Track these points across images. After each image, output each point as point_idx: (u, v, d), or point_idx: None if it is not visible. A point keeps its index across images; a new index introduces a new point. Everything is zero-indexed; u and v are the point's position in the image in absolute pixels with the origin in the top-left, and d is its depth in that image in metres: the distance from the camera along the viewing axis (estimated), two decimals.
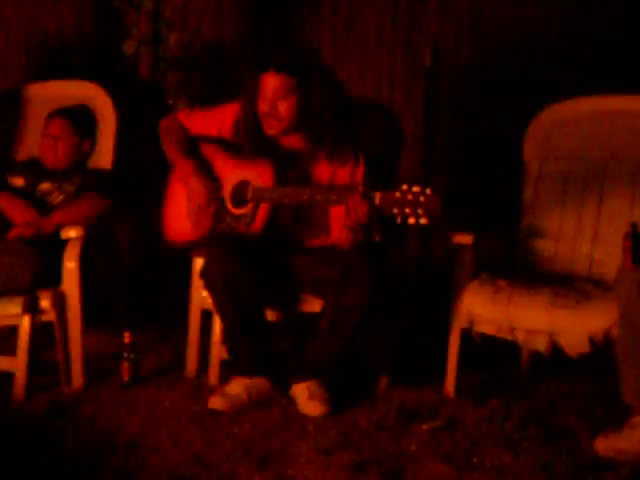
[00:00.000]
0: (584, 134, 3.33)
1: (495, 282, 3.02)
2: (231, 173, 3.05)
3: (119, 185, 3.45)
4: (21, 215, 3.24)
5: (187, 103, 3.98)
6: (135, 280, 3.89)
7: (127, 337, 3.15)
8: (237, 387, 2.93)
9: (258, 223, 2.96)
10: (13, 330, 3.06)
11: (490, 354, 3.08)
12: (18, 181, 3.41)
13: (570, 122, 3.36)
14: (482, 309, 2.96)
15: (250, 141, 3.02)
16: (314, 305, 3.01)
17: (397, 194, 2.68)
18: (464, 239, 3.11)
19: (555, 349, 2.86)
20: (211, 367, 3.15)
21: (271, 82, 2.92)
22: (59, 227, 3.17)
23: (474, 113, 4.19)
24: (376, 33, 4.29)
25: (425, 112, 4.27)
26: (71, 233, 3.12)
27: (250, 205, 2.98)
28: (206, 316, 3.19)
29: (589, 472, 2.48)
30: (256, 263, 2.92)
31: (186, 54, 4.12)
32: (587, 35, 4.02)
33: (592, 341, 2.78)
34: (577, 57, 4.04)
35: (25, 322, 3.00)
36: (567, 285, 3.02)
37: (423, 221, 2.65)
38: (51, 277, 3.09)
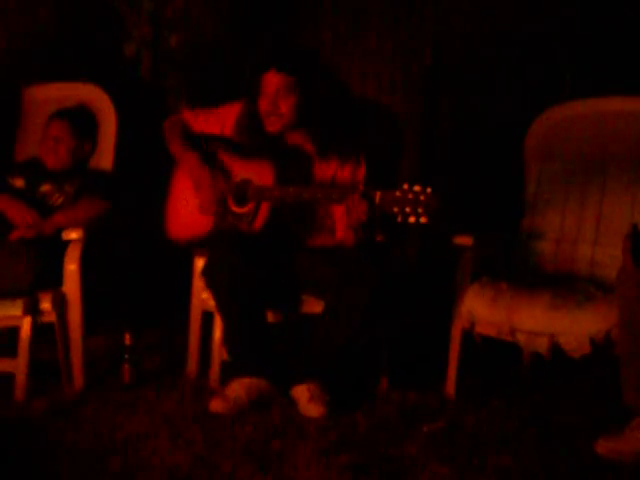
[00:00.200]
0: (585, 135, 3.33)
1: (496, 284, 3.02)
2: (233, 171, 3.05)
3: (120, 187, 3.45)
4: (22, 217, 3.24)
5: (187, 105, 3.98)
6: (136, 281, 3.89)
7: (128, 338, 3.15)
8: (238, 388, 2.93)
9: (259, 222, 2.97)
10: (13, 331, 3.06)
11: (491, 356, 3.08)
12: (19, 182, 3.42)
13: (571, 124, 3.36)
14: (483, 311, 2.96)
15: (252, 139, 3.04)
16: (315, 306, 3.01)
17: (398, 193, 2.69)
18: (465, 240, 3.12)
19: (556, 351, 2.86)
20: (212, 368, 3.15)
21: (273, 81, 2.94)
22: (60, 229, 3.16)
23: (474, 113, 4.19)
24: (377, 34, 4.29)
25: (425, 113, 4.27)
26: (72, 235, 3.12)
27: (251, 204, 2.99)
28: (207, 317, 3.20)
29: (590, 473, 2.48)
30: (257, 263, 2.93)
31: (186, 56, 4.12)
32: (587, 35, 4.01)
33: (593, 342, 2.78)
34: (577, 57, 4.04)
35: (26, 324, 3.00)
36: (568, 286, 3.02)
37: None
38: (52, 278, 3.09)
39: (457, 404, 3.01)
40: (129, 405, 2.96)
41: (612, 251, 3.08)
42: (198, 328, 3.25)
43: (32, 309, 3.01)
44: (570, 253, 3.25)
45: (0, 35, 4.08)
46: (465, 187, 4.08)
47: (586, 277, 3.16)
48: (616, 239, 2.86)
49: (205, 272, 2.96)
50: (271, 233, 3.00)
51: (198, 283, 3.16)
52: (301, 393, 2.91)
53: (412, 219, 2.65)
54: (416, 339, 3.61)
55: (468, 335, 3.03)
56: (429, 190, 2.66)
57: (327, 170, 3.02)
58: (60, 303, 3.08)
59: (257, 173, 3.00)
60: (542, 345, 2.87)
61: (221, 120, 3.14)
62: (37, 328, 3.03)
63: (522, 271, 3.27)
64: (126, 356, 3.14)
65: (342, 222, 2.95)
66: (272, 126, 2.99)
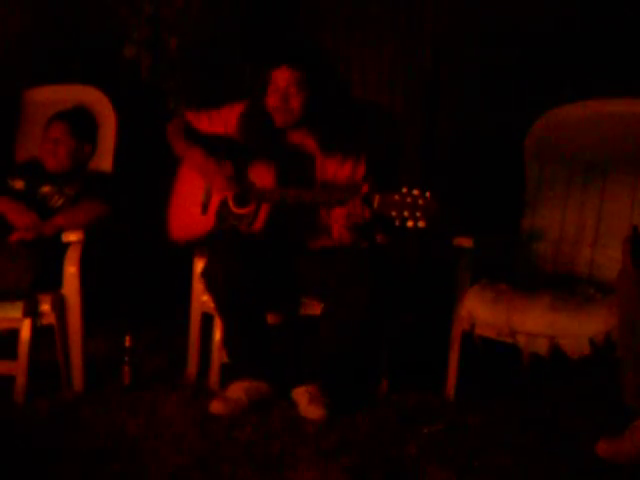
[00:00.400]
0: (585, 137, 3.33)
1: (496, 285, 3.02)
2: None
3: (120, 189, 3.45)
4: (22, 219, 3.24)
5: (187, 106, 3.98)
6: (136, 283, 3.89)
7: (128, 340, 3.15)
8: (237, 390, 2.93)
9: (259, 223, 2.97)
10: (13, 333, 3.06)
11: (491, 357, 3.08)
12: (18, 184, 3.41)
13: (571, 125, 3.36)
14: (483, 312, 2.96)
15: (255, 139, 3.03)
16: (315, 308, 3.01)
17: (396, 197, 2.69)
18: (464, 242, 3.12)
19: (556, 352, 2.86)
20: (211, 370, 3.15)
21: (283, 76, 2.96)
22: (60, 231, 3.16)
23: (474, 114, 4.19)
24: (376, 34, 4.28)
25: (425, 113, 4.27)
26: (72, 237, 3.12)
27: (252, 205, 2.99)
28: (207, 319, 3.20)
29: (591, 475, 2.48)
30: (257, 265, 2.93)
31: (186, 58, 4.11)
32: (587, 36, 4.01)
33: (593, 344, 2.78)
34: (577, 58, 4.04)
35: (25, 326, 3.00)
36: (568, 288, 3.02)
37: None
38: (51, 281, 3.09)
39: (457, 406, 3.01)
40: (129, 407, 2.96)
41: (612, 253, 3.08)
42: (198, 330, 3.25)
43: (32, 311, 3.01)
44: (570, 255, 3.25)
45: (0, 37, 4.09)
46: (465, 188, 4.08)
47: (586, 278, 3.16)
48: (616, 241, 2.86)
49: (205, 274, 2.96)
50: (271, 235, 3.01)
51: (198, 285, 3.16)
52: (301, 395, 2.91)
53: (410, 223, 2.65)
54: (416, 340, 3.61)
55: (468, 336, 3.02)
56: (428, 194, 2.66)
57: (328, 168, 3.02)
58: (60, 305, 3.08)
59: (258, 175, 3.01)
60: (542, 347, 2.87)
61: (224, 121, 3.15)
62: (37, 330, 3.03)
63: (522, 273, 3.27)
64: (126, 358, 3.14)
65: (338, 222, 2.95)
66: (281, 122, 2.99)
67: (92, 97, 3.59)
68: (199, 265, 3.15)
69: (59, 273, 3.09)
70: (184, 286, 3.25)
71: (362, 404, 2.99)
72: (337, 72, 3.11)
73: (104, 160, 3.52)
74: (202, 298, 3.14)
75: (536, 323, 2.87)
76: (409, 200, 2.66)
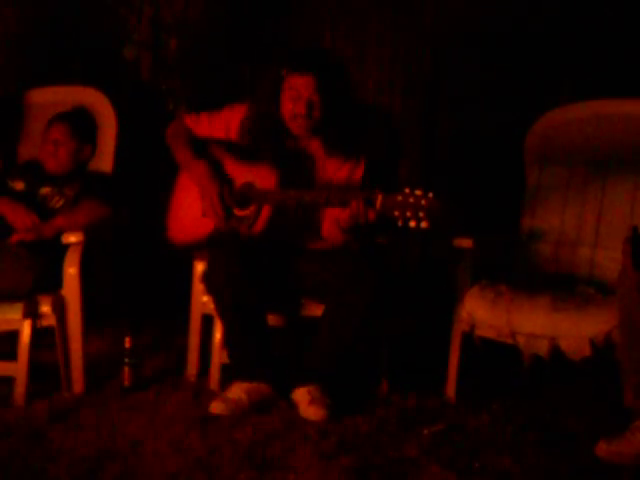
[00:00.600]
0: (585, 137, 3.33)
1: (496, 286, 3.02)
2: (236, 175, 3.05)
3: (120, 190, 3.45)
4: (22, 220, 3.23)
5: (187, 108, 3.98)
6: (136, 284, 3.89)
7: (128, 342, 3.15)
8: (238, 391, 2.93)
9: (260, 225, 2.97)
10: (13, 334, 3.06)
11: (491, 358, 3.08)
12: (18, 185, 3.41)
13: (571, 126, 3.36)
14: (483, 313, 2.96)
15: (263, 141, 3.02)
16: (315, 309, 3.01)
17: (399, 197, 2.69)
18: (465, 243, 3.12)
19: (556, 353, 2.86)
20: (212, 371, 3.15)
21: (307, 84, 2.93)
22: (60, 232, 3.16)
23: (474, 115, 4.19)
24: (376, 34, 4.28)
25: (425, 113, 4.27)
26: (72, 238, 3.12)
27: (253, 207, 2.99)
28: (207, 320, 3.20)
29: (590, 476, 2.48)
30: (258, 267, 2.93)
31: (186, 59, 4.11)
32: (587, 36, 4.01)
33: (593, 345, 2.78)
34: (577, 58, 4.03)
35: (25, 327, 3.00)
36: (568, 289, 3.02)
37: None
38: (51, 282, 3.09)
39: (457, 407, 3.01)
40: (129, 408, 2.96)
41: (612, 253, 3.08)
42: (198, 331, 3.25)
43: (32, 312, 3.01)
44: (570, 255, 3.25)
45: None
46: (465, 188, 4.08)
47: (586, 279, 3.16)
48: (616, 241, 2.85)
49: (205, 277, 2.96)
50: (271, 236, 3.00)
51: (198, 286, 3.16)
52: (302, 396, 2.91)
53: (413, 223, 2.65)
54: (416, 342, 3.61)
55: (468, 337, 3.02)
56: (430, 195, 2.65)
57: (328, 169, 3.02)
58: (60, 306, 3.07)
59: (260, 176, 3.00)
60: (542, 348, 2.87)
61: (225, 123, 3.14)
62: (37, 331, 3.03)
63: (522, 273, 3.27)
64: (126, 359, 3.14)
65: (328, 221, 2.95)
66: (300, 129, 2.98)
67: (92, 98, 3.59)
68: (199, 266, 3.16)
69: (59, 274, 3.09)
70: (184, 287, 3.25)
71: (362, 405, 2.99)
72: (349, 77, 3.08)
73: (104, 161, 3.52)
74: (202, 299, 3.14)
75: (536, 324, 2.87)
76: (412, 200, 2.66)
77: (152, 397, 3.08)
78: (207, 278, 2.95)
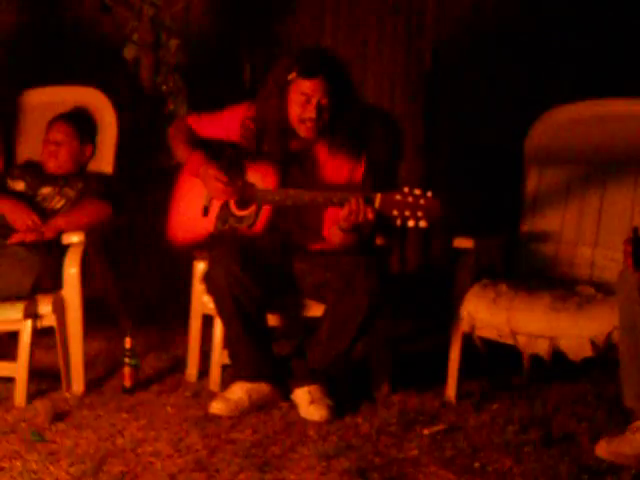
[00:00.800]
0: (585, 138, 3.33)
1: (496, 286, 3.01)
2: (236, 175, 3.05)
3: (120, 190, 3.45)
4: (22, 220, 3.23)
5: (188, 108, 3.98)
6: (136, 284, 3.89)
7: (128, 342, 3.15)
8: (238, 391, 2.93)
9: (260, 225, 2.97)
10: (13, 335, 3.06)
11: (491, 358, 3.08)
12: (19, 185, 3.41)
13: (571, 125, 3.36)
14: (483, 313, 2.96)
15: (267, 142, 3.02)
16: (316, 310, 3.01)
17: (398, 196, 2.69)
18: (465, 243, 3.11)
19: (556, 353, 2.86)
20: (212, 372, 3.15)
21: (314, 86, 2.92)
22: (60, 232, 3.16)
23: (475, 116, 4.19)
24: (377, 38, 4.28)
25: (426, 115, 4.27)
26: (72, 238, 3.12)
27: (253, 207, 2.99)
28: (207, 320, 3.19)
29: (591, 476, 2.47)
30: (258, 267, 2.93)
31: (186, 59, 4.11)
32: (587, 36, 4.01)
33: (593, 345, 2.78)
34: (577, 58, 4.04)
35: (26, 327, 3.00)
36: (568, 289, 3.02)
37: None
38: (52, 282, 3.09)
39: (458, 407, 3.01)
40: (129, 408, 2.96)
41: (612, 253, 3.08)
42: (198, 331, 3.25)
43: (32, 313, 3.01)
44: (570, 255, 3.25)
45: None
46: (465, 188, 4.08)
47: (586, 279, 3.16)
48: (616, 241, 2.85)
49: (206, 277, 2.96)
50: (272, 236, 3.00)
51: (198, 286, 3.16)
52: (302, 396, 2.91)
53: (411, 223, 2.65)
54: (416, 342, 3.61)
55: (468, 337, 3.02)
56: (429, 194, 2.65)
57: (329, 169, 3.03)
58: (60, 306, 3.07)
59: (261, 177, 3.00)
60: (542, 348, 2.87)
61: (226, 123, 3.13)
62: (37, 332, 3.03)
63: (522, 273, 3.27)
64: (126, 359, 3.14)
65: (328, 222, 2.95)
66: (309, 132, 2.98)
67: (92, 98, 3.59)
68: (199, 267, 3.16)
69: (59, 274, 3.09)
70: (184, 287, 3.25)
71: (363, 405, 2.99)
72: (352, 79, 3.08)
73: (104, 161, 3.52)
74: (202, 299, 3.14)
75: (536, 324, 2.87)
76: (411, 200, 2.66)
77: (152, 397, 3.08)
78: (207, 278, 2.95)
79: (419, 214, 2.65)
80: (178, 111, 3.98)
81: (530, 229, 3.33)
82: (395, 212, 2.68)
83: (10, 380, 3.03)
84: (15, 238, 3.18)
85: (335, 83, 2.93)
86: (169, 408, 2.97)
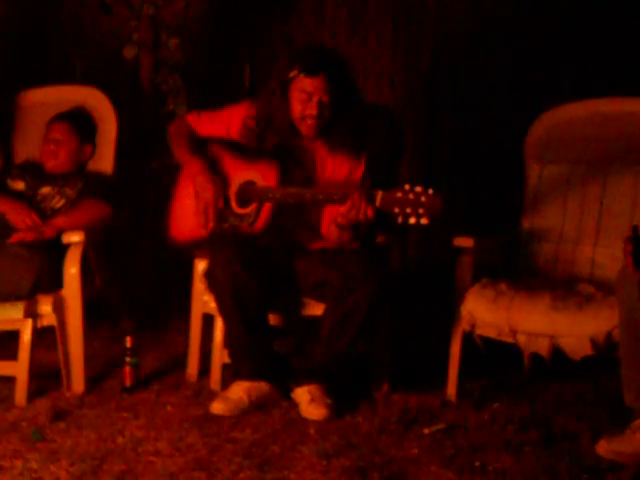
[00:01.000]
0: (585, 137, 3.33)
1: (496, 285, 3.01)
2: (237, 173, 3.06)
3: (120, 189, 3.45)
4: (22, 219, 3.23)
5: (187, 108, 3.98)
6: (137, 283, 3.89)
7: (128, 341, 3.15)
8: (239, 391, 2.93)
9: (260, 223, 2.97)
10: (13, 334, 3.06)
11: (491, 357, 3.08)
12: (18, 185, 3.41)
13: (571, 125, 3.36)
14: (483, 312, 2.96)
15: (275, 142, 3.02)
16: (316, 309, 3.01)
17: (399, 193, 2.68)
18: (465, 242, 3.11)
19: (556, 352, 2.86)
20: (212, 370, 3.15)
21: (316, 83, 2.92)
22: (60, 232, 3.16)
23: (474, 115, 4.19)
24: (376, 34, 4.29)
25: (425, 113, 4.28)
26: (72, 238, 3.12)
27: (254, 205, 2.99)
28: (207, 320, 3.19)
29: (591, 475, 2.48)
30: (259, 266, 2.93)
31: (186, 59, 4.11)
32: (587, 35, 4.01)
33: (594, 344, 2.78)
34: (577, 57, 4.04)
35: (26, 327, 3.00)
36: (568, 288, 3.02)
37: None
38: (52, 281, 3.09)
39: (458, 406, 3.01)
40: (130, 408, 2.96)
41: (612, 252, 3.08)
42: (199, 330, 3.25)
43: (33, 312, 3.01)
44: (570, 254, 3.25)
45: None
46: (465, 188, 4.08)
47: (586, 278, 3.16)
48: (616, 240, 2.85)
49: (206, 275, 2.96)
50: (272, 235, 3.01)
51: (199, 285, 3.16)
52: (302, 395, 2.91)
53: (413, 220, 2.65)
54: (417, 341, 3.61)
55: (468, 337, 3.02)
56: (430, 191, 2.65)
57: (329, 167, 3.03)
58: (60, 306, 3.07)
59: (261, 175, 3.00)
60: (543, 346, 2.87)
61: (226, 122, 3.14)
62: (37, 331, 3.02)
63: (522, 272, 3.27)
64: (127, 359, 3.14)
65: (328, 220, 2.95)
66: (311, 130, 2.98)
67: (92, 98, 3.59)
68: (200, 265, 3.16)
69: (60, 274, 3.09)
70: (185, 286, 3.25)
71: (363, 404, 2.99)
72: (354, 78, 3.09)
73: (104, 161, 3.52)
74: (203, 298, 3.14)
75: (537, 323, 2.87)
76: (412, 197, 2.66)
77: (153, 396, 3.08)
78: (208, 277, 2.95)
79: (420, 211, 2.65)
80: (178, 111, 3.98)
81: (530, 228, 3.33)
82: (396, 209, 2.68)
83: (10, 379, 3.03)
84: (15, 238, 3.18)
85: (336, 81, 2.94)
86: (169, 407, 2.97)
